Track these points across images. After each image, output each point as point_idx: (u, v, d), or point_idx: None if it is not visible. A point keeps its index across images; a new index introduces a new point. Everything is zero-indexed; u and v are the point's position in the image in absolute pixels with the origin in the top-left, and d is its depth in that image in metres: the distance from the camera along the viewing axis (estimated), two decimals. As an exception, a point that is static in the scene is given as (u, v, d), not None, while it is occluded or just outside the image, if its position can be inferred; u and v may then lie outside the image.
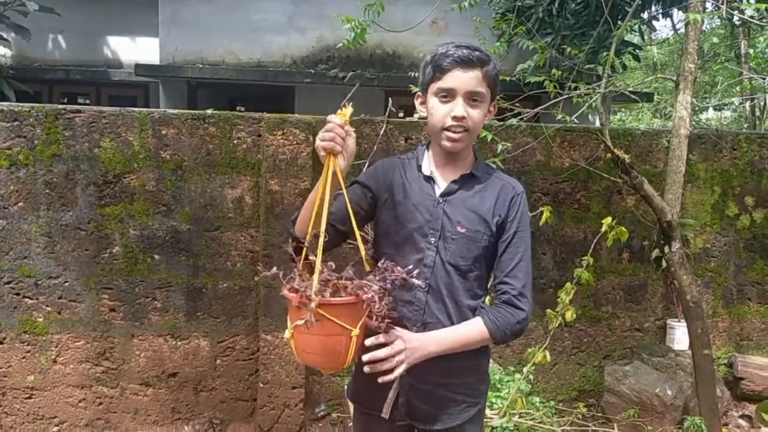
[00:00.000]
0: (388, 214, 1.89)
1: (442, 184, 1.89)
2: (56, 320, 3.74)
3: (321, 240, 1.62)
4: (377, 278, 1.66)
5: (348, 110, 1.66)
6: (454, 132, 1.81)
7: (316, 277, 1.56)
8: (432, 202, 1.86)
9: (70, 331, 3.76)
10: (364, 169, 3.73)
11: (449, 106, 1.80)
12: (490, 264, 1.91)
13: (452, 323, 1.83)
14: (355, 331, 1.59)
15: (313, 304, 1.53)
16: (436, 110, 1.83)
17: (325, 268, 1.62)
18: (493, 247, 1.87)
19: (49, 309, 3.74)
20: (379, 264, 1.74)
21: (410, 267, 1.77)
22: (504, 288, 1.82)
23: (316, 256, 1.60)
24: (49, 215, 3.70)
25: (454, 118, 1.79)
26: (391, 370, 1.67)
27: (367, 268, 1.72)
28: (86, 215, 3.72)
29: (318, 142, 1.66)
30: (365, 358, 1.65)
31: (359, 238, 1.72)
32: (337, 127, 1.64)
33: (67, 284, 3.74)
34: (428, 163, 1.92)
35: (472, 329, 1.80)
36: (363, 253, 1.76)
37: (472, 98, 1.80)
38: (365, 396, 1.70)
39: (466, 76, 1.78)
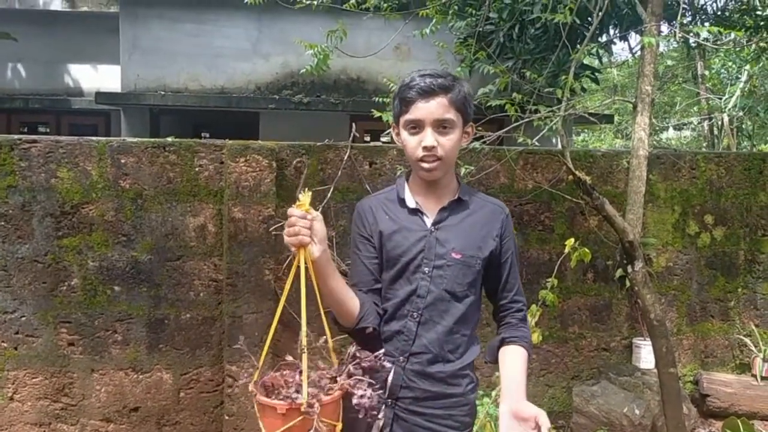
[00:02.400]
0: (379, 252, 1.88)
1: (430, 214, 1.88)
2: (12, 356, 3.63)
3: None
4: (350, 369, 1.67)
5: (306, 198, 1.60)
6: (427, 162, 1.80)
7: (305, 384, 1.58)
8: (424, 233, 1.85)
9: (27, 367, 3.64)
10: (328, 196, 3.74)
11: (419, 137, 1.80)
12: (480, 288, 1.94)
13: (442, 351, 1.83)
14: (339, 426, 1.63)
15: (315, 408, 1.56)
16: (407, 142, 1.83)
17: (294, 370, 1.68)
18: (484, 270, 1.90)
19: (5, 345, 3.62)
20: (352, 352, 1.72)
21: (400, 300, 1.83)
22: (517, 306, 1.95)
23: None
24: (5, 248, 3.60)
25: (425, 148, 1.78)
26: None
27: (333, 359, 1.68)
28: (43, 247, 3.63)
29: (285, 239, 1.61)
30: None
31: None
32: (299, 219, 1.58)
33: (23, 319, 3.63)
34: (410, 195, 1.91)
35: (523, 361, 1.87)
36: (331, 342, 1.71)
37: (441, 126, 1.79)
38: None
39: (431, 106, 1.77)
